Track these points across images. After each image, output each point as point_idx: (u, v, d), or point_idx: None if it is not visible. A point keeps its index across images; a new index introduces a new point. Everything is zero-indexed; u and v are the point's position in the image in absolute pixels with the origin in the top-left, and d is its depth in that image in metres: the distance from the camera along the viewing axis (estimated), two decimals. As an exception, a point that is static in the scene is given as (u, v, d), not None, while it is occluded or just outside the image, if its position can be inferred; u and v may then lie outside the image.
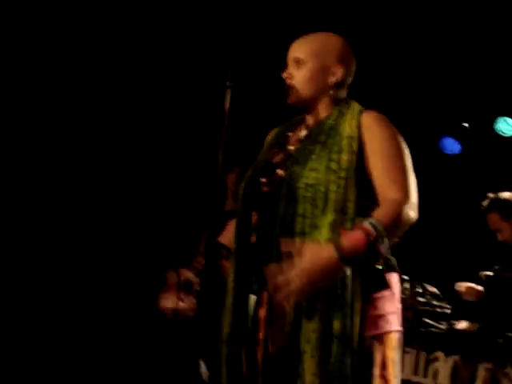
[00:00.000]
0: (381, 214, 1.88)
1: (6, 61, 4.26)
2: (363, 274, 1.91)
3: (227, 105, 1.99)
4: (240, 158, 2.28)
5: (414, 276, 4.47)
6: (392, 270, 2.08)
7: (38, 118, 4.56)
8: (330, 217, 1.91)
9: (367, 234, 1.78)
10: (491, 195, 4.31)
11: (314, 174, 1.96)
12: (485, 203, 4.32)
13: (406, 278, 4.41)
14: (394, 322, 2.02)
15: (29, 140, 4.58)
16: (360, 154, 1.99)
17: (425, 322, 4.28)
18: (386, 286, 2.00)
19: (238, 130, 2.00)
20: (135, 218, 4.90)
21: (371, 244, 1.78)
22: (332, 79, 2.17)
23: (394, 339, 2.02)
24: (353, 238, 1.80)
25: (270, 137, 2.35)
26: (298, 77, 2.14)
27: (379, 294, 1.99)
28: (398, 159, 2.01)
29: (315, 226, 1.92)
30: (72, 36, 4.54)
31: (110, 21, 4.53)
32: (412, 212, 1.93)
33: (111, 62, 4.65)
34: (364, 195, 2.00)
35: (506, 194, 4.27)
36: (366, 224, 1.81)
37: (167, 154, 4.71)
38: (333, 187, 1.93)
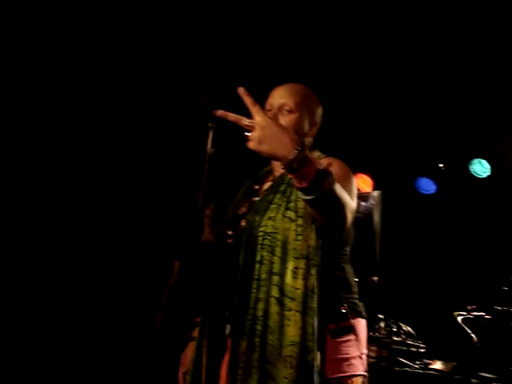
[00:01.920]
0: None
1: (6, 61, 4.26)
2: (328, 319, 1.95)
3: (209, 145, 2.03)
4: (219, 195, 2.33)
5: (389, 315, 4.50)
6: (359, 315, 2.12)
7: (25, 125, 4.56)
8: (290, 264, 1.93)
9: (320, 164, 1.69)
10: None
11: (271, 223, 2.00)
12: None
13: (381, 316, 4.45)
14: (357, 366, 2.04)
15: (21, 144, 4.57)
16: None
17: (400, 361, 4.29)
18: (350, 330, 2.03)
19: (219, 170, 2.04)
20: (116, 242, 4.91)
21: (321, 171, 1.66)
22: (310, 132, 2.26)
23: (358, 383, 2.03)
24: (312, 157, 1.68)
25: (240, 191, 2.38)
26: (284, 123, 2.16)
27: (343, 338, 2.02)
28: (347, 185, 1.97)
29: (273, 273, 1.94)
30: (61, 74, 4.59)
31: (97, 63, 4.59)
32: (351, 214, 1.89)
33: (95, 96, 4.69)
34: (327, 242, 2.02)
35: None
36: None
37: (150, 191, 4.75)
38: (292, 235, 1.96)
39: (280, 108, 2.22)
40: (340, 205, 1.78)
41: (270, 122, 1.63)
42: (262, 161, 2.39)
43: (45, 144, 4.66)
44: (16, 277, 4.56)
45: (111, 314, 4.88)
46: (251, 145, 1.63)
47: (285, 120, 2.19)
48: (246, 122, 1.65)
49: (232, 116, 1.69)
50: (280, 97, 2.24)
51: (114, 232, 4.87)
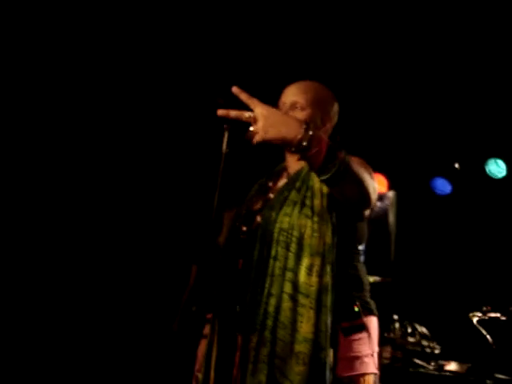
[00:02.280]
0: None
1: (5, 61, 4.29)
2: (340, 317, 1.96)
3: (224, 146, 2.04)
4: (235, 197, 2.34)
5: (404, 316, 4.50)
6: (370, 313, 2.12)
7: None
8: (306, 261, 1.94)
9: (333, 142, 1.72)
10: None
11: (287, 219, 2.01)
12: None
13: (396, 317, 4.44)
14: (369, 365, 2.05)
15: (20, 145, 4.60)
16: (332, 198, 1.98)
17: (414, 362, 4.29)
18: (362, 328, 2.04)
19: (234, 171, 2.06)
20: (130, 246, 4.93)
21: (332, 145, 1.70)
22: (323, 129, 2.27)
23: (369, 381, 2.04)
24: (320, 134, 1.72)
25: (254, 188, 2.41)
26: None
27: (356, 337, 2.03)
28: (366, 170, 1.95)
29: (287, 269, 1.95)
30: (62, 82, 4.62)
31: (108, 64, 4.62)
32: (374, 194, 1.91)
33: (109, 100, 4.72)
34: (341, 239, 2.03)
35: None
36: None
37: (167, 192, 4.78)
38: (308, 232, 1.97)
39: (292, 106, 2.24)
40: (359, 180, 1.79)
41: (271, 110, 1.67)
42: (275, 159, 2.41)
43: (52, 144, 4.68)
44: (16, 277, 4.58)
45: (126, 317, 4.90)
46: (257, 136, 1.66)
47: (298, 116, 2.20)
48: (247, 115, 1.67)
49: (233, 113, 1.73)
50: (292, 95, 2.27)
51: (129, 234, 4.89)
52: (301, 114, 2.20)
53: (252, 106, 1.68)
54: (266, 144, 1.64)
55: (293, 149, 1.66)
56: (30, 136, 4.57)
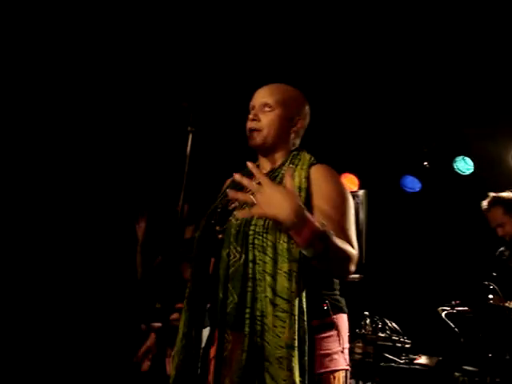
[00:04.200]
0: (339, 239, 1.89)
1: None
2: (309, 316, 1.96)
3: (188, 149, 2.08)
4: (199, 197, 2.38)
5: (375, 312, 4.56)
6: (340, 311, 2.14)
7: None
8: (283, 266, 1.95)
9: (322, 225, 1.80)
10: (492, 194, 4.47)
11: (261, 222, 2.02)
12: (487, 200, 4.46)
13: (366, 313, 4.51)
14: (339, 361, 2.07)
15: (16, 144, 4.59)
16: (309, 205, 2.04)
17: (385, 356, 4.35)
18: (332, 326, 2.06)
19: (198, 172, 2.10)
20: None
21: (321, 232, 1.78)
22: (294, 128, 2.30)
23: (339, 377, 2.06)
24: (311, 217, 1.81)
25: (225, 185, 2.41)
26: (266, 120, 2.24)
27: (325, 334, 2.05)
28: (345, 213, 2.06)
29: (266, 273, 1.96)
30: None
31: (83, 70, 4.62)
32: (354, 266, 1.98)
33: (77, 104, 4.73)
34: None
35: (506, 193, 4.44)
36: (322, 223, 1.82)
37: (132, 193, 4.79)
38: (283, 237, 1.98)
39: (261, 107, 2.27)
40: (341, 259, 1.91)
41: (275, 190, 1.78)
42: (242, 160, 2.44)
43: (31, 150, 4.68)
44: (16, 277, 4.58)
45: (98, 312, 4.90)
46: (256, 208, 1.79)
47: (266, 118, 2.24)
48: (254, 186, 1.80)
49: (245, 180, 1.85)
50: (261, 97, 2.30)
51: (99, 233, 4.89)
52: (269, 115, 2.24)
53: (262, 183, 1.80)
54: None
55: (279, 226, 1.80)
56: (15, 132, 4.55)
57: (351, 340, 4.37)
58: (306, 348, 1.92)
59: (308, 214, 1.78)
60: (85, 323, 4.87)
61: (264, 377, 1.89)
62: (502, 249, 4.42)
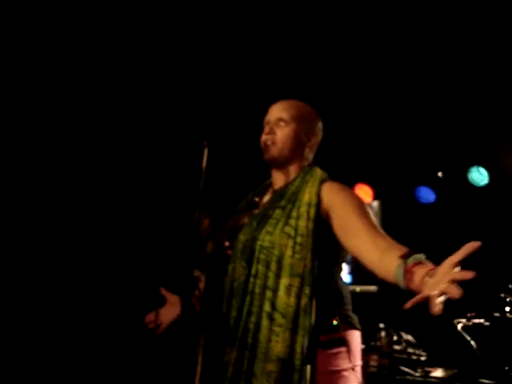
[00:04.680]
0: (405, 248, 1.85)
1: None
2: (319, 331, 1.94)
3: (204, 163, 2.09)
4: (215, 212, 2.39)
5: (390, 324, 4.54)
6: (352, 327, 2.13)
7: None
8: (285, 280, 1.97)
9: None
10: None
11: (268, 237, 2.05)
12: None
13: (381, 326, 4.49)
14: (349, 378, 2.05)
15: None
16: (319, 221, 2.06)
17: (401, 369, 4.32)
18: (341, 342, 2.04)
19: (214, 187, 2.11)
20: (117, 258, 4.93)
21: None
22: (308, 144, 2.32)
23: None
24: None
25: (241, 204, 2.44)
26: (281, 135, 2.28)
27: (334, 351, 2.03)
28: (368, 217, 2.06)
29: (267, 287, 1.99)
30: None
31: (89, 87, 4.65)
32: None
33: (89, 112, 4.74)
34: (324, 259, 2.05)
35: None
36: (422, 257, 1.77)
37: (148, 210, 4.80)
38: (288, 252, 2.00)
39: (276, 122, 2.30)
40: None
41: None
42: (257, 173, 2.46)
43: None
44: (16, 277, 4.59)
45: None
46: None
47: (282, 132, 2.28)
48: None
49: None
50: (276, 112, 2.33)
51: (112, 248, 4.89)
52: (285, 130, 2.28)
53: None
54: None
55: None
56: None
57: (366, 353, 4.35)
58: (302, 365, 1.91)
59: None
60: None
61: None
62: None
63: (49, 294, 4.69)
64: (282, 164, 2.30)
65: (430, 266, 1.69)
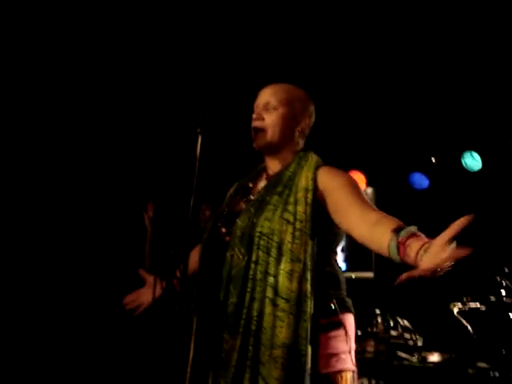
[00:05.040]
0: (396, 221, 1.85)
1: None
2: (318, 314, 1.97)
3: (198, 150, 2.08)
4: (209, 199, 2.38)
5: (386, 310, 4.55)
6: (347, 310, 2.13)
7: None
8: (286, 265, 1.97)
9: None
10: None
11: (267, 223, 2.04)
12: None
13: (377, 312, 4.50)
14: (347, 361, 2.06)
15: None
16: (316, 206, 2.06)
17: (398, 355, 4.33)
18: (339, 325, 2.05)
19: (208, 174, 2.10)
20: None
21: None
22: (298, 128, 2.29)
23: (347, 378, 2.05)
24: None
25: (232, 188, 2.44)
26: (269, 120, 2.25)
27: (333, 334, 2.04)
28: (360, 194, 2.06)
29: (269, 273, 1.98)
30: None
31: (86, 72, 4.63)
32: None
33: (81, 104, 4.73)
34: (321, 244, 2.07)
35: None
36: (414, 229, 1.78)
37: (140, 196, 4.79)
38: (288, 237, 2.00)
39: (264, 106, 2.29)
40: None
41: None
42: (251, 161, 2.45)
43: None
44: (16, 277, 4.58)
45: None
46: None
47: (270, 117, 2.26)
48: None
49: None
50: (265, 96, 2.31)
51: (106, 237, 4.89)
52: (274, 114, 2.26)
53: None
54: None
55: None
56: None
57: (363, 339, 4.37)
58: (309, 348, 1.92)
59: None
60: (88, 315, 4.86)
61: (257, 379, 1.90)
62: None
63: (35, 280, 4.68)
64: (272, 150, 2.29)
65: (423, 238, 1.70)
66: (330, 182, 2.12)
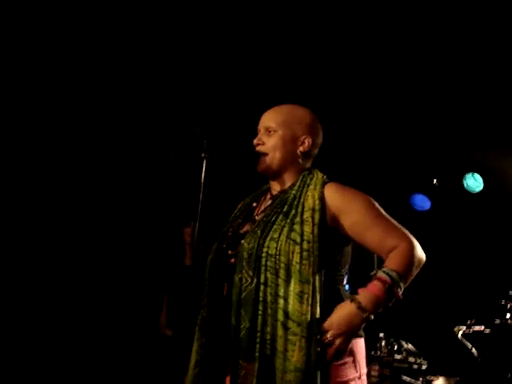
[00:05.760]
0: (394, 262, 1.97)
1: None
2: (323, 346, 1.92)
3: (203, 175, 2.07)
4: (214, 224, 2.35)
5: (390, 333, 4.52)
6: (356, 335, 2.04)
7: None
8: (295, 287, 1.94)
9: (384, 282, 1.92)
10: None
11: (274, 244, 2.01)
12: None
13: (381, 335, 4.46)
14: None
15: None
16: (323, 226, 2.04)
17: (402, 379, 4.30)
18: (348, 353, 1.98)
19: (213, 198, 2.09)
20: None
21: (388, 289, 1.92)
22: (300, 148, 2.26)
23: None
24: (370, 290, 1.93)
25: (236, 209, 2.41)
26: (269, 144, 2.23)
27: (340, 361, 1.98)
28: (377, 213, 2.07)
29: (279, 296, 1.95)
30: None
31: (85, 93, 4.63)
32: (421, 251, 2.04)
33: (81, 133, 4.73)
34: (327, 265, 2.04)
35: None
36: (381, 274, 1.94)
37: (144, 219, 4.78)
38: (296, 258, 1.97)
39: (264, 131, 2.27)
40: (412, 270, 2.01)
41: (335, 321, 1.93)
42: (256, 185, 2.43)
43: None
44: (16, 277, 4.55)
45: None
46: (336, 347, 1.92)
47: (269, 141, 2.24)
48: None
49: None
50: (264, 120, 2.30)
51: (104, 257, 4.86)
52: (272, 137, 2.24)
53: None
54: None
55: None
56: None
57: (367, 363, 4.32)
58: (319, 372, 1.88)
59: (362, 295, 1.94)
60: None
61: None
62: None
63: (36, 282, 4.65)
64: (275, 173, 2.26)
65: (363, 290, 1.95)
66: (342, 202, 2.09)
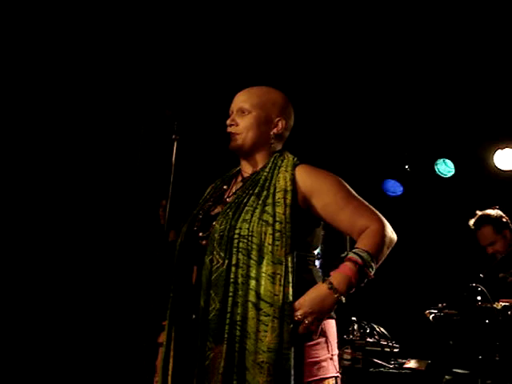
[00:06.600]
0: (365, 243, 1.99)
1: None
2: (294, 324, 1.93)
3: (174, 157, 2.05)
4: (185, 206, 2.33)
5: (362, 317, 4.55)
6: (328, 316, 2.06)
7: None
8: (268, 268, 1.94)
9: (355, 262, 1.94)
10: (479, 212, 4.46)
11: (246, 225, 2.01)
12: (475, 219, 4.45)
13: (354, 319, 4.49)
14: (328, 368, 2.02)
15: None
16: (294, 207, 2.05)
17: (374, 361, 4.33)
18: (320, 333, 2.00)
19: (183, 180, 2.06)
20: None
21: (359, 270, 1.94)
22: (274, 130, 2.27)
23: None
24: (342, 271, 1.94)
25: (206, 191, 2.40)
26: (242, 124, 2.24)
27: (312, 342, 2.00)
28: (347, 194, 2.10)
29: (250, 277, 1.95)
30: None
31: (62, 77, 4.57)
32: (392, 231, 2.07)
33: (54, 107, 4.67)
34: (299, 247, 2.05)
35: (493, 211, 4.43)
36: (352, 254, 1.96)
37: (114, 202, 4.74)
38: (268, 239, 1.97)
39: (238, 112, 2.28)
40: (384, 249, 2.03)
41: (305, 301, 1.93)
42: (227, 166, 2.42)
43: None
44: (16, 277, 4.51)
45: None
46: (306, 325, 1.93)
47: (243, 121, 2.25)
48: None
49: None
50: (238, 101, 2.30)
51: (81, 241, 4.82)
52: (246, 118, 2.24)
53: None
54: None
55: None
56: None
57: (339, 346, 4.35)
58: (292, 352, 1.89)
59: (334, 276, 1.96)
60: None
61: None
62: (502, 275, 4.39)
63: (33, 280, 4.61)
64: (247, 153, 2.27)
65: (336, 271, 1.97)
66: (314, 183, 2.11)
